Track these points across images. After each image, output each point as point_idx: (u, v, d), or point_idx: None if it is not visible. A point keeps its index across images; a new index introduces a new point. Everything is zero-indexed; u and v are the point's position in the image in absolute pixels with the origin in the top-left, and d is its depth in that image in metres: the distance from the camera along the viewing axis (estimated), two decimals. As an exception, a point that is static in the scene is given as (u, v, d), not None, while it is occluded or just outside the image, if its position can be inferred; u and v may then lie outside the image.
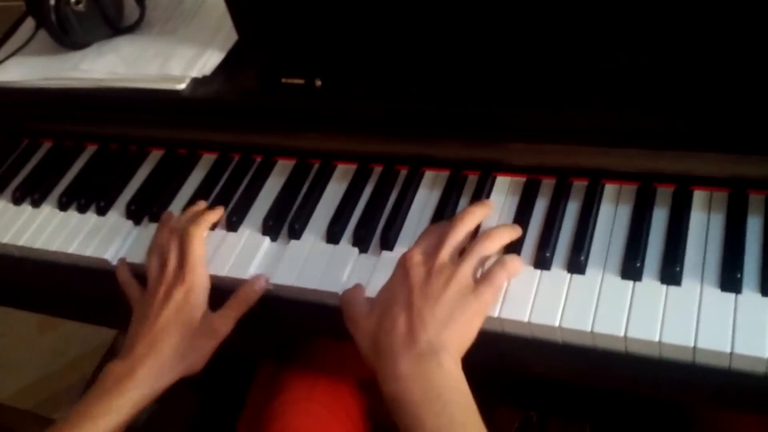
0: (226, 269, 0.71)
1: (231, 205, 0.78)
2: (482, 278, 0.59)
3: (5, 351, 1.67)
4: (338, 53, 0.73)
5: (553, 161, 0.70)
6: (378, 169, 0.77)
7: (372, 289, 0.64)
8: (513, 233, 0.64)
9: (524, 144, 0.70)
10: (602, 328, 0.57)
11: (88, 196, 0.84)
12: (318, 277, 0.68)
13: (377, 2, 0.67)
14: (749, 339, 0.54)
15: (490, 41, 0.66)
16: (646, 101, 0.63)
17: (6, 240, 0.83)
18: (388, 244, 0.69)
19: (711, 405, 0.63)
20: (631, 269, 0.60)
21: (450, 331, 0.56)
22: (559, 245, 0.64)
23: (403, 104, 0.71)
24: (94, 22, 0.89)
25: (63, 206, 0.85)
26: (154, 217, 0.79)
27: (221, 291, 0.69)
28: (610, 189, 0.68)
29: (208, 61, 0.82)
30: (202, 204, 0.78)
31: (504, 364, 0.63)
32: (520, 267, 0.62)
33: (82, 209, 0.83)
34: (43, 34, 0.90)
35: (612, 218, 0.65)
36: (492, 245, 0.62)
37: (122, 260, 0.75)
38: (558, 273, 0.62)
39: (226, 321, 0.67)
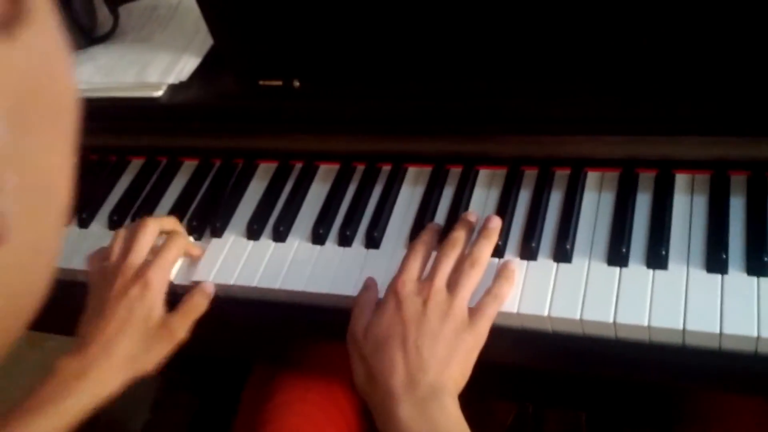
0: (212, 275, 0.70)
1: (214, 211, 0.77)
2: (476, 310, 0.59)
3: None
4: (315, 53, 0.73)
5: (535, 151, 0.70)
6: (361, 168, 0.77)
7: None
8: (491, 243, 0.62)
9: (506, 135, 0.70)
10: (591, 316, 0.57)
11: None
12: (305, 278, 0.68)
13: (353, 1, 0.67)
14: (738, 318, 0.54)
15: (467, 35, 0.66)
16: (625, 88, 0.63)
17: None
18: (373, 242, 0.69)
19: (702, 387, 0.63)
20: (617, 256, 0.60)
21: (451, 370, 0.56)
22: (544, 235, 0.64)
23: (383, 100, 0.71)
24: (67, 32, 0.87)
25: (44, 220, 0.84)
26: (137, 227, 0.78)
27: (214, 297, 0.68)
28: (592, 177, 0.68)
29: (184, 67, 0.81)
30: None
31: (495, 357, 0.63)
32: (509, 292, 0.60)
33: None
34: (16, 47, 0.89)
35: (596, 206, 0.65)
36: (480, 270, 0.60)
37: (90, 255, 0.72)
38: (545, 263, 0.62)
39: (182, 326, 0.65)
